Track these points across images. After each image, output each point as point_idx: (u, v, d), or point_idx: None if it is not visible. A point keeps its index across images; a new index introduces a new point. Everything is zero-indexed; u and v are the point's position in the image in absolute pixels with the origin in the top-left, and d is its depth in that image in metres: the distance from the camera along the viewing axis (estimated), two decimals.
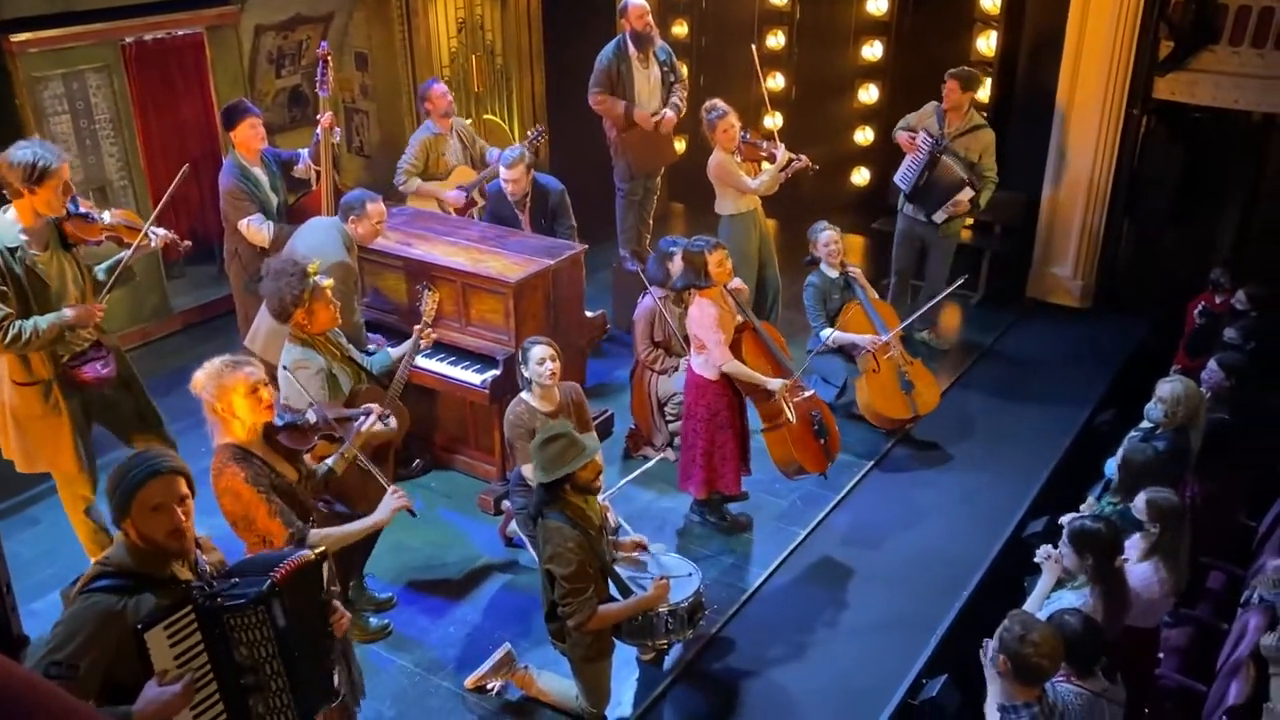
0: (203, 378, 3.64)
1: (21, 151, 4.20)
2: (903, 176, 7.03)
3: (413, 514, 4.01)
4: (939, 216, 6.98)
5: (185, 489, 2.79)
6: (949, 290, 6.55)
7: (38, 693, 1.04)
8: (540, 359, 4.71)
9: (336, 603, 3.16)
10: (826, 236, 6.34)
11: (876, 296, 6.55)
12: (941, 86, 6.85)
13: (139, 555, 2.75)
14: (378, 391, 4.67)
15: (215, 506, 3.69)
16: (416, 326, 5.02)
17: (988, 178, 6.93)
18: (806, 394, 5.60)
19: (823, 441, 5.56)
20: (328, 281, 4.46)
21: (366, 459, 4.11)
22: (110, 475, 2.83)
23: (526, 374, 4.77)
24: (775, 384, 5.26)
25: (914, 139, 6.92)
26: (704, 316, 5.16)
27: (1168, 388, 4.92)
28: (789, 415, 5.41)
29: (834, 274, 6.39)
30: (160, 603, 2.67)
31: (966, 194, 6.85)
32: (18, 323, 4.26)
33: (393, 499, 3.89)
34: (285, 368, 4.43)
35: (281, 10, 7.87)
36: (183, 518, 2.76)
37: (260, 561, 2.94)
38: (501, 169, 6.29)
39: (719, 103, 6.60)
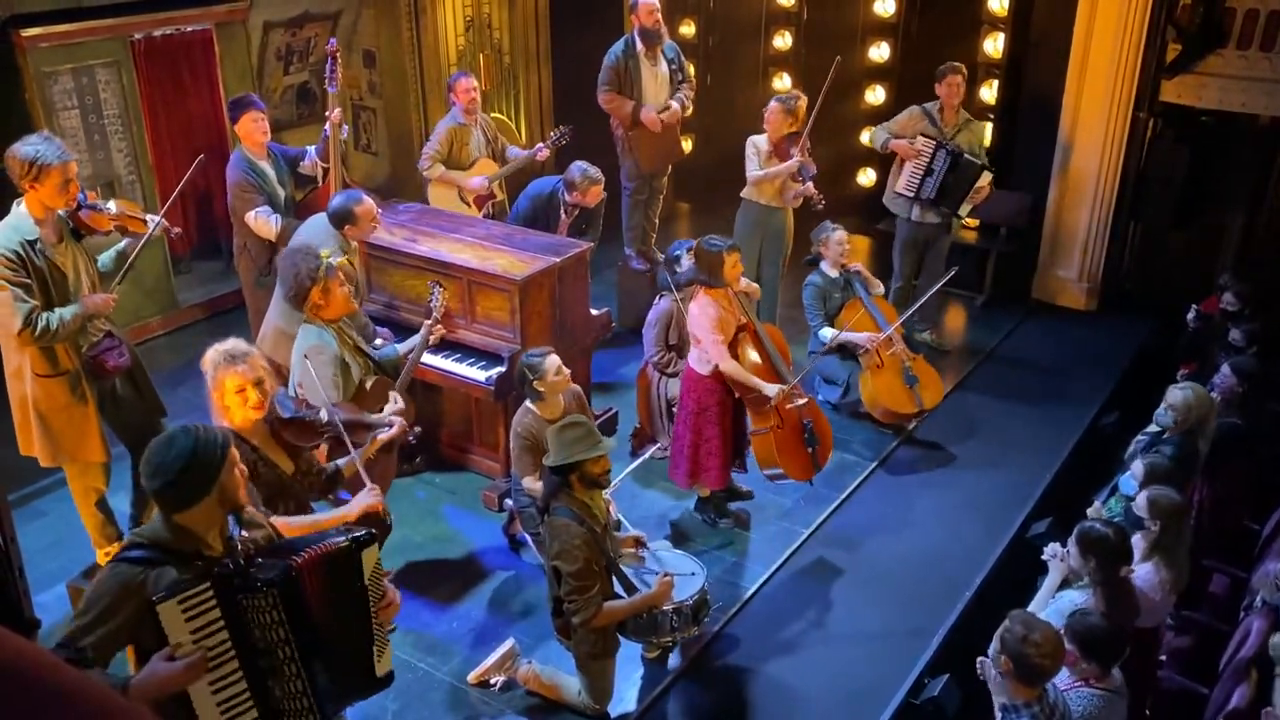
0: (207, 360, 3.60)
1: (26, 148, 4.23)
2: (910, 184, 6.97)
3: (383, 520, 3.90)
4: (965, 210, 7.03)
5: None
6: (943, 280, 6.45)
7: (41, 663, 1.05)
8: (558, 368, 4.73)
9: (388, 585, 3.04)
10: (839, 237, 6.36)
11: (880, 293, 6.54)
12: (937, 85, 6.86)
13: (178, 533, 2.71)
14: (385, 383, 4.67)
15: None
16: (426, 322, 5.01)
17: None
18: (801, 401, 5.44)
19: (811, 450, 5.43)
20: (341, 260, 4.43)
21: (363, 453, 4.01)
22: (164, 465, 2.67)
23: (540, 387, 4.72)
24: (772, 389, 5.18)
25: (914, 145, 6.90)
26: (703, 316, 5.17)
27: (1179, 394, 4.92)
28: (780, 421, 5.33)
29: (834, 274, 6.40)
30: (181, 576, 2.63)
31: (986, 178, 6.90)
32: (45, 315, 4.30)
33: (368, 496, 3.80)
34: (305, 356, 4.40)
35: (290, 7, 7.89)
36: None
37: (298, 544, 2.87)
38: (589, 193, 6.43)
39: (798, 94, 6.74)
